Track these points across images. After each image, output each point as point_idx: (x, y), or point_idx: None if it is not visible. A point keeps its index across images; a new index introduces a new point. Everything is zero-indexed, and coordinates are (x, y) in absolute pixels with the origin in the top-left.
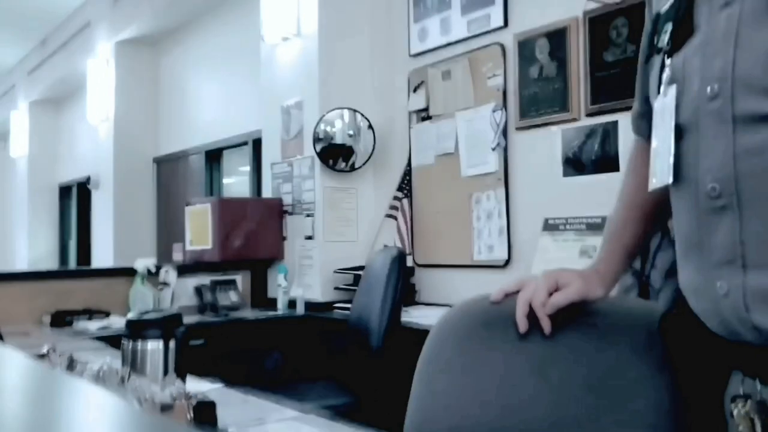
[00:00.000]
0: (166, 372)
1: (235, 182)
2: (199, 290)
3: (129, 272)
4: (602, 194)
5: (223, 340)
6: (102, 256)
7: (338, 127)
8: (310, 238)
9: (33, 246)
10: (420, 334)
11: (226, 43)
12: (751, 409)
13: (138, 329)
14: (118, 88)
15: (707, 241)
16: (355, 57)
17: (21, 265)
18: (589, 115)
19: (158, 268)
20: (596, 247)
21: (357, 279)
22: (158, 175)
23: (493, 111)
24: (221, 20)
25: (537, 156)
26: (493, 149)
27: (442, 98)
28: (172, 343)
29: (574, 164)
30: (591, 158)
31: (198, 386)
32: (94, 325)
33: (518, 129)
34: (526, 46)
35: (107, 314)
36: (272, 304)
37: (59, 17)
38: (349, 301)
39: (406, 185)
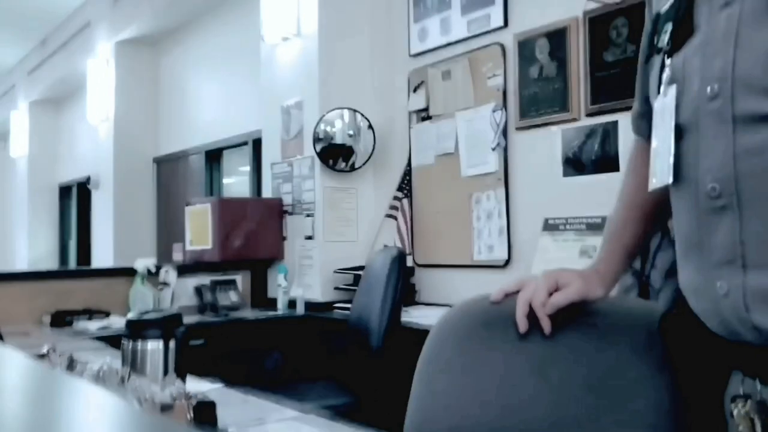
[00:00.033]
0: (166, 372)
1: (235, 182)
2: (199, 290)
3: (129, 272)
4: (602, 194)
5: (223, 340)
6: (102, 256)
7: (338, 127)
8: (310, 238)
9: (33, 246)
10: (420, 334)
11: (226, 43)
12: (751, 409)
13: (138, 329)
14: (118, 88)
15: (707, 241)
16: (355, 57)
17: (21, 265)
18: (589, 115)
19: (158, 268)
20: (596, 247)
21: (357, 279)
22: (158, 175)
23: (493, 111)
24: (221, 20)
25: (537, 156)
26: (493, 149)
27: (442, 98)
28: (172, 343)
29: (574, 164)
30: (591, 158)
31: (198, 386)
32: (94, 325)
33: (518, 129)
34: (526, 46)
35: (107, 314)
36: (272, 304)
37: (59, 17)
38: (349, 301)
39: (406, 185)
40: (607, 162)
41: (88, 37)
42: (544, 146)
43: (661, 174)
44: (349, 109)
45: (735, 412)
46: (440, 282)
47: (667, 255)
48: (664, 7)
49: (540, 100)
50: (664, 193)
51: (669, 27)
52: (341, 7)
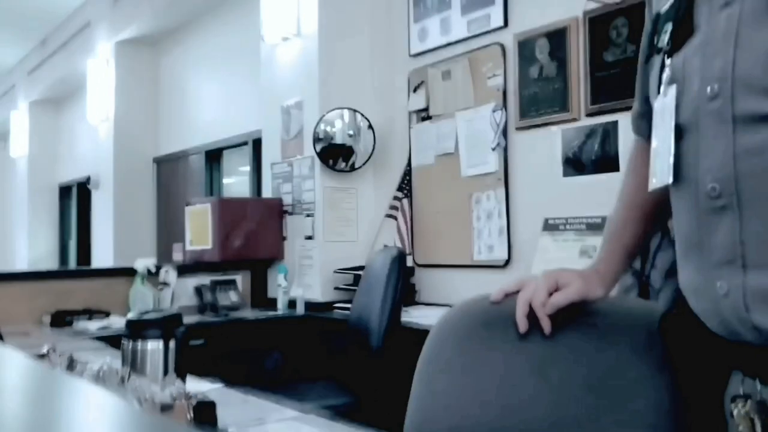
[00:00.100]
0: (166, 372)
1: (235, 182)
2: (199, 290)
3: (129, 272)
4: (602, 194)
5: (223, 340)
6: (102, 256)
7: (338, 127)
8: (310, 238)
9: (33, 246)
10: (420, 334)
11: (226, 43)
12: (751, 409)
13: (138, 329)
14: (118, 88)
15: (707, 241)
16: (355, 57)
17: (21, 265)
18: (589, 115)
19: (158, 268)
20: (596, 247)
21: (357, 279)
22: (158, 175)
23: (493, 111)
24: (221, 20)
25: (537, 156)
26: (493, 149)
27: (442, 98)
28: (172, 343)
29: (574, 164)
30: (591, 158)
31: (198, 386)
32: (94, 325)
33: (518, 129)
34: (526, 46)
35: (107, 314)
36: (272, 304)
37: (59, 17)
38: (349, 301)
39: (406, 185)
40: (607, 162)
41: (88, 37)
42: (544, 146)
43: (661, 174)
44: (349, 109)
45: (735, 412)
46: (440, 282)
47: (667, 255)
48: (664, 7)
49: (540, 100)
50: (664, 193)
51: (669, 27)
52: (341, 7)
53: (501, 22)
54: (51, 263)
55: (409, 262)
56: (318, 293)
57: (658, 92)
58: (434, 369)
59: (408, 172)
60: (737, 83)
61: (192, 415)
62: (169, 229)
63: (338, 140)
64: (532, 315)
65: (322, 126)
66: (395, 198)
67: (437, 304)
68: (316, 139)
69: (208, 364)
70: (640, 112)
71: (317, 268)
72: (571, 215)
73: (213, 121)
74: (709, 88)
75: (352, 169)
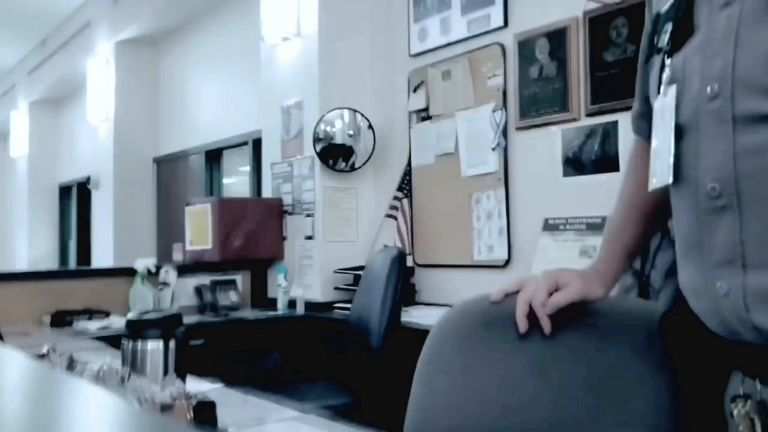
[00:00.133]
0: (166, 372)
1: (235, 182)
2: (199, 290)
3: (129, 272)
4: (602, 194)
5: (223, 340)
6: (102, 256)
7: (338, 127)
8: (310, 238)
9: (33, 246)
10: (420, 334)
11: (226, 43)
12: (751, 409)
13: (138, 329)
14: (118, 88)
15: (707, 241)
16: (355, 57)
17: (21, 265)
18: (589, 115)
19: (158, 268)
20: (596, 247)
21: (357, 279)
22: (158, 175)
23: (493, 111)
24: (221, 20)
25: (537, 156)
26: (493, 149)
27: (442, 98)
28: (172, 343)
29: (574, 164)
30: (591, 158)
31: (198, 386)
32: (94, 325)
33: (518, 129)
34: (526, 46)
35: (107, 314)
36: (272, 304)
37: (59, 17)
38: (349, 301)
39: (406, 185)
40: (607, 162)
41: (88, 37)
42: (544, 146)
43: (661, 174)
44: (349, 109)
45: (735, 412)
46: (440, 282)
47: (667, 255)
48: (664, 7)
49: (540, 100)
50: (664, 193)
51: (669, 27)
52: (341, 7)
53: (501, 22)
54: (51, 263)
55: (409, 262)
56: (318, 293)
57: (658, 92)
58: (434, 369)
59: (408, 172)
60: (737, 83)
61: (192, 415)
62: (169, 229)
63: (338, 140)
64: (532, 315)
65: (322, 126)
66: (395, 198)
67: (437, 304)
68: (316, 139)
69: (208, 364)
70: (640, 112)
71: (317, 268)
72: (571, 215)
73: (213, 121)
74: (709, 88)
75: (352, 169)
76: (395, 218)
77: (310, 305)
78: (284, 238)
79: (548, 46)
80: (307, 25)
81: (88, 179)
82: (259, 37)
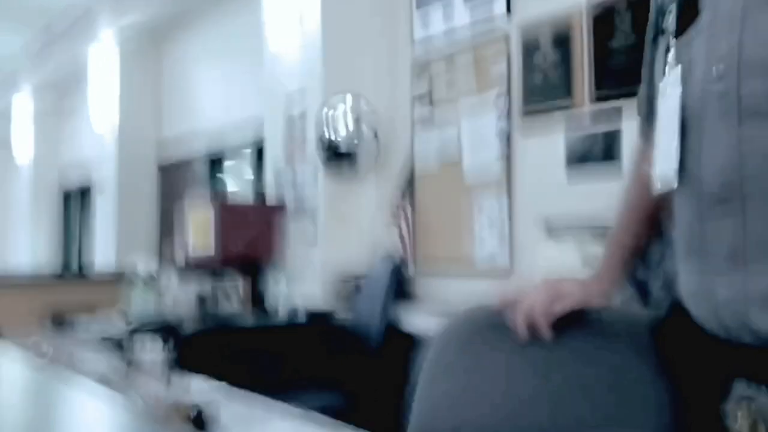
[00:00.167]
0: (166, 374)
1: (238, 187)
2: (199, 295)
3: (130, 276)
4: (606, 200)
5: (224, 345)
6: (103, 259)
7: (342, 134)
8: (311, 243)
9: (35, 249)
10: (419, 340)
11: (229, 31)
12: (752, 412)
13: (139, 333)
14: (123, 92)
15: (708, 242)
16: (358, 43)
17: (23, 268)
18: (594, 102)
19: (159, 272)
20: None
21: (358, 285)
22: (161, 179)
23: (497, 98)
24: (223, 9)
25: (540, 162)
26: (497, 156)
27: (445, 84)
28: (172, 347)
29: (578, 170)
30: (595, 163)
31: (198, 387)
32: (95, 328)
33: (523, 115)
34: (529, 33)
35: (108, 318)
36: (273, 309)
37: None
38: (350, 307)
39: (408, 192)
40: (611, 167)
41: (92, 33)
42: (548, 152)
43: (665, 178)
44: (354, 113)
45: (736, 415)
46: (441, 289)
47: (669, 265)
48: None
49: (544, 87)
50: (666, 195)
51: (674, 9)
52: (342, 8)
53: (504, 10)
54: (53, 266)
55: (411, 268)
56: (318, 299)
57: (664, 74)
58: (437, 371)
59: (411, 179)
60: (743, 64)
61: (192, 415)
62: (170, 234)
63: (342, 146)
64: (532, 323)
65: (325, 131)
66: (397, 204)
67: (438, 311)
68: (320, 145)
69: (209, 368)
70: (646, 95)
71: (318, 273)
72: (574, 222)
73: (216, 127)
74: (714, 69)
75: (355, 175)
76: (397, 224)
77: (310, 311)
78: (286, 244)
79: (552, 33)
80: (311, 12)
81: (91, 183)
82: (263, 39)
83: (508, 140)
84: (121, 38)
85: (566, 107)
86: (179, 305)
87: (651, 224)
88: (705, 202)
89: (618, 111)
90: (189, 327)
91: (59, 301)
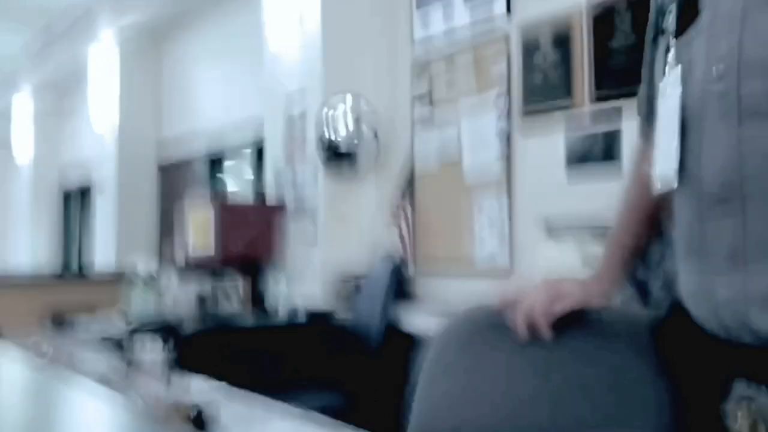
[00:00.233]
0: (166, 374)
1: (238, 187)
2: (199, 295)
3: (130, 276)
4: (606, 200)
5: (224, 345)
6: (103, 259)
7: (342, 134)
8: (311, 243)
9: (35, 249)
10: (419, 340)
11: (227, 44)
12: (752, 412)
13: (139, 332)
14: (123, 92)
15: (708, 243)
16: (358, 43)
17: (23, 268)
18: (594, 102)
19: (159, 272)
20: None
21: (358, 284)
22: (161, 179)
23: (497, 97)
24: (223, 9)
25: (540, 162)
26: (497, 156)
27: (445, 84)
28: (172, 347)
29: (578, 170)
30: (595, 163)
31: (198, 387)
32: (95, 328)
33: (523, 115)
34: (529, 33)
35: (108, 317)
36: (273, 309)
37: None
38: (350, 307)
39: (408, 191)
40: (611, 167)
41: (92, 31)
42: (548, 152)
43: (665, 178)
44: (353, 114)
45: (735, 415)
46: (441, 288)
47: (670, 265)
48: None
49: (544, 87)
50: (666, 194)
51: (674, 9)
52: (343, 9)
53: (504, 10)
54: (53, 266)
55: (411, 268)
56: (318, 298)
57: (664, 74)
58: (437, 371)
59: (411, 179)
60: (743, 64)
61: (192, 415)
62: (170, 234)
63: (342, 146)
64: (532, 323)
65: (325, 131)
66: (398, 204)
67: (438, 311)
68: (320, 144)
69: (209, 368)
70: (647, 94)
71: (318, 273)
72: (574, 221)
73: (216, 126)
74: (714, 69)
75: (355, 175)
76: (397, 224)
77: (310, 310)
78: (286, 243)
79: (552, 33)
80: (311, 12)
81: (92, 183)
82: (263, 40)
83: (508, 140)
84: (121, 38)
85: (566, 107)
86: (179, 305)
87: (651, 224)
88: (705, 202)
89: (618, 111)
90: (189, 327)
91: (59, 301)
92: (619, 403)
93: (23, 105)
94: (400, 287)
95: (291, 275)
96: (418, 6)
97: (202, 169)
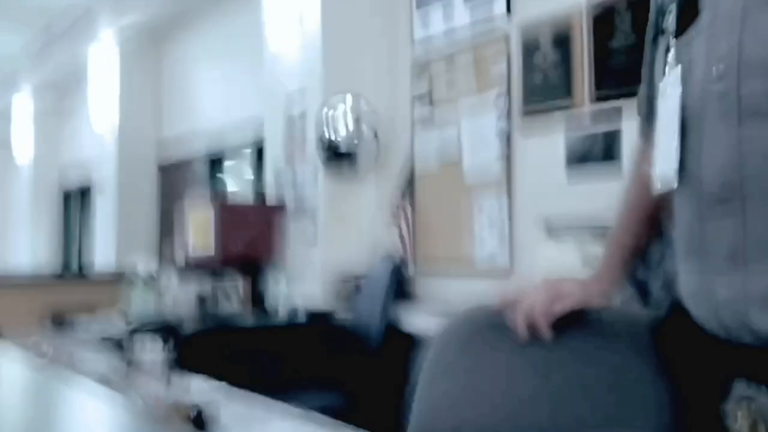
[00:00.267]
0: (166, 374)
1: (238, 187)
2: (199, 295)
3: (130, 276)
4: (606, 200)
5: (224, 345)
6: (103, 259)
7: (342, 134)
8: (311, 243)
9: (35, 249)
10: (419, 340)
11: (227, 44)
12: (752, 412)
13: (139, 332)
14: (123, 92)
15: (708, 243)
16: (358, 43)
17: (23, 268)
18: (594, 102)
19: (159, 272)
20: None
21: (358, 284)
22: (161, 179)
23: (497, 98)
24: (223, 9)
25: (540, 162)
26: (497, 156)
27: (445, 84)
28: (172, 347)
29: (578, 170)
30: (595, 163)
31: (198, 386)
32: (95, 328)
33: (523, 115)
34: (529, 33)
35: (108, 317)
36: (273, 309)
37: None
38: (350, 307)
39: (408, 191)
40: (611, 167)
41: (92, 31)
42: (548, 152)
43: (665, 178)
44: (353, 114)
45: (736, 415)
46: (441, 288)
47: (670, 265)
48: None
49: (544, 87)
50: (666, 194)
51: (674, 9)
52: (343, 10)
53: (504, 9)
54: (53, 266)
55: (411, 268)
56: (319, 299)
57: (664, 74)
58: (437, 371)
59: (411, 179)
60: (743, 64)
61: (192, 415)
62: (170, 234)
63: (342, 146)
64: (532, 323)
65: (325, 131)
66: (398, 204)
67: (438, 311)
68: (320, 144)
69: (209, 368)
70: (647, 94)
71: (318, 273)
72: (574, 221)
73: (216, 126)
74: (714, 69)
75: (355, 174)
76: (397, 224)
77: (310, 310)
78: (286, 243)
79: (552, 33)
80: (311, 12)
81: (92, 183)
82: (263, 39)
83: (508, 140)
84: (121, 38)
85: (566, 107)
86: (179, 305)
87: (651, 224)
88: (705, 202)
89: (618, 111)
90: (189, 327)
91: (59, 301)
92: (619, 403)
93: (23, 105)
94: (400, 287)
95: (291, 275)
96: (418, 6)
97: (202, 169)
